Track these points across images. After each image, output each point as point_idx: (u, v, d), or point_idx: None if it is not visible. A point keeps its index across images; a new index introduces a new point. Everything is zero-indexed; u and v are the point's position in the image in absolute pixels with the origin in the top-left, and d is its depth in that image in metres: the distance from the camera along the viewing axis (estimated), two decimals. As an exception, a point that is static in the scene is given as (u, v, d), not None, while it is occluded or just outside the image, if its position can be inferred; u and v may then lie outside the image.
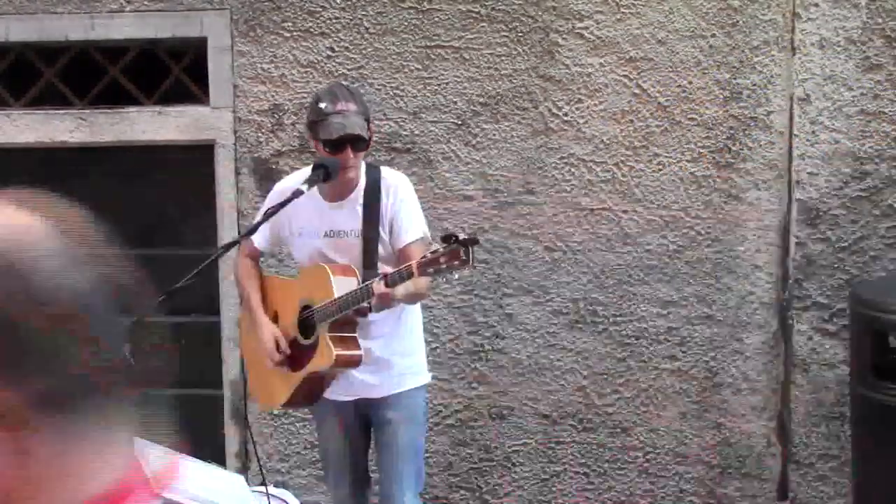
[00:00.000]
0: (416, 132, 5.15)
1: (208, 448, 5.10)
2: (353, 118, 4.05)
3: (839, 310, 5.08)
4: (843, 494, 5.18)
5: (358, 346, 4.13)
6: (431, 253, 3.82)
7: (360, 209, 4.15)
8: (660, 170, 5.14)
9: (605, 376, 5.25)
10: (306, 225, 4.22)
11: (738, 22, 5.04)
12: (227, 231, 5.23)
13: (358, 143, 4.08)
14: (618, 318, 5.21)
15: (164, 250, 5.32)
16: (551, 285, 5.20)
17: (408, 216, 4.18)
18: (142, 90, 5.38)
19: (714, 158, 5.11)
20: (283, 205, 4.07)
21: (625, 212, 5.16)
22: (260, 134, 5.23)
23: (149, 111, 5.31)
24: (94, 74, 5.39)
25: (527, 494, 5.33)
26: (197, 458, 3.93)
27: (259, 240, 4.32)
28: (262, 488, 4.11)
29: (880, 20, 5.00)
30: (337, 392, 4.26)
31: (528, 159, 5.14)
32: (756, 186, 5.11)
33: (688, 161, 5.12)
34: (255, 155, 5.24)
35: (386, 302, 3.96)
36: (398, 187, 4.20)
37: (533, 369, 5.25)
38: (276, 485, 4.28)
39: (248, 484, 3.85)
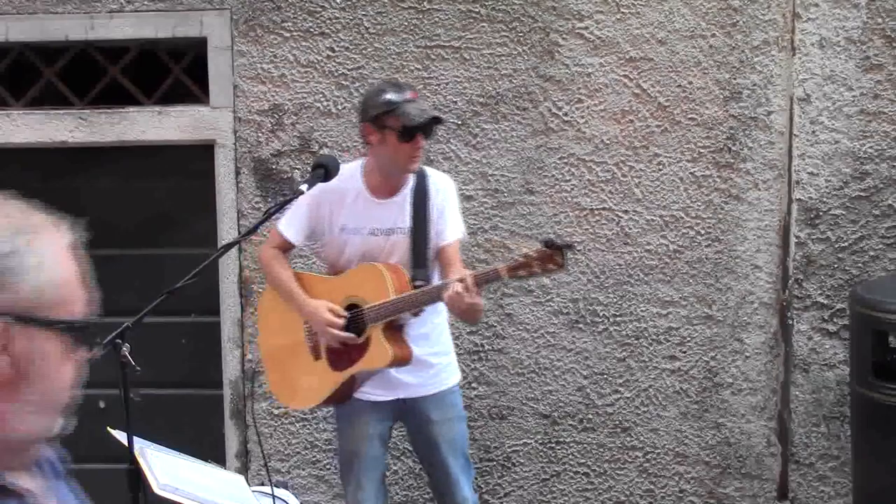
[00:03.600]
0: (416, 132, 5.15)
1: (208, 448, 5.10)
2: (423, 104, 4.15)
3: (839, 310, 5.08)
4: (843, 494, 5.18)
5: (408, 345, 4.16)
6: (523, 256, 3.84)
7: (409, 207, 4.16)
8: (660, 170, 5.14)
9: (605, 376, 5.25)
10: (350, 221, 4.18)
11: (738, 22, 5.04)
12: (227, 231, 5.23)
13: (433, 127, 4.15)
14: (618, 318, 5.21)
15: (164, 250, 5.32)
16: (551, 285, 5.20)
17: (452, 215, 4.23)
18: (142, 90, 5.38)
19: (714, 158, 5.11)
20: (282, 205, 4.07)
21: (625, 212, 5.16)
22: (260, 134, 5.23)
23: (149, 111, 5.31)
24: (94, 74, 5.39)
25: (527, 494, 5.33)
26: (197, 458, 3.94)
27: (293, 233, 4.26)
28: (263, 488, 4.10)
29: (880, 20, 5.00)
30: (374, 392, 4.24)
31: (528, 159, 5.14)
32: (756, 186, 5.11)
33: (688, 161, 5.12)
34: (255, 155, 5.24)
35: (459, 304, 3.91)
36: (444, 186, 4.25)
37: (533, 369, 5.25)
38: (277, 485, 4.28)
39: (248, 484, 3.85)
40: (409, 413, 4.30)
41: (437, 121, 4.14)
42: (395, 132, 4.05)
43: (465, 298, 3.84)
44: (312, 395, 4.30)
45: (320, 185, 4.10)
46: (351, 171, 4.19)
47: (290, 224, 4.26)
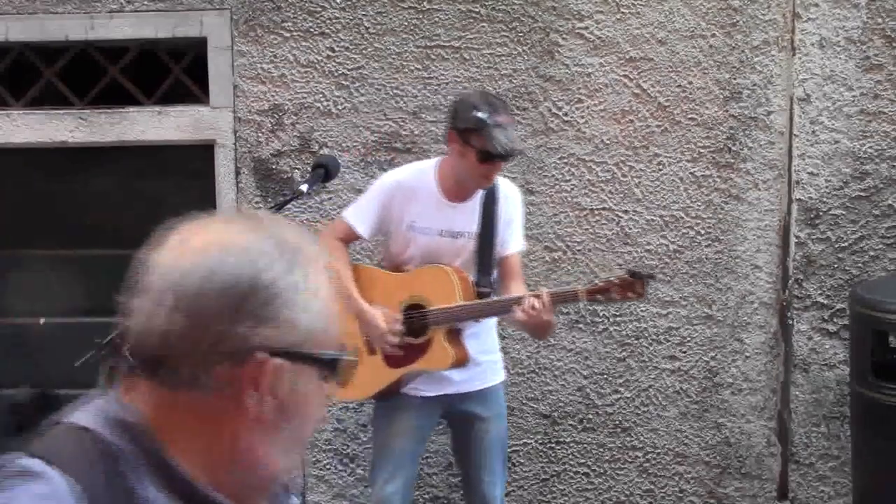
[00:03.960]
0: (416, 132, 5.15)
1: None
2: (511, 132, 4.09)
3: (839, 310, 5.08)
4: (843, 494, 5.18)
5: (465, 348, 4.20)
6: (604, 280, 3.87)
7: (478, 213, 4.18)
8: (660, 170, 5.14)
9: (605, 376, 5.25)
10: (420, 219, 4.19)
11: (738, 22, 5.04)
12: (227, 231, 5.22)
13: (515, 156, 4.16)
14: (618, 318, 5.21)
15: (164, 250, 5.31)
16: (551, 285, 5.20)
17: (517, 226, 4.28)
18: (142, 90, 5.38)
19: (714, 158, 5.11)
20: (283, 205, 4.07)
21: (625, 212, 5.16)
22: (260, 134, 5.23)
23: (149, 111, 5.31)
24: (94, 74, 5.39)
25: (527, 494, 5.33)
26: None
27: (363, 226, 4.22)
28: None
29: (880, 20, 5.00)
30: (421, 388, 4.25)
31: (528, 159, 5.14)
32: (756, 186, 5.11)
33: (688, 161, 5.12)
34: (255, 155, 5.24)
35: (532, 321, 3.93)
36: (513, 197, 4.29)
37: (533, 369, 5.25)
38: (276, 485, 4.27)
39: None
40: (454, 409, 4.33)
41: (519, 153, 4.17)
42: (476, 151, 4.05)
43: (541, 315, 3.88)
44: (364, 389, 4.31)
45: (394, 180, 4.17)
46: (423, 169, 4.22)
47: (360, 216, 4.23)
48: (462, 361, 4.19)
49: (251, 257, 1.37)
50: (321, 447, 5.31)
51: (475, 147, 4.04)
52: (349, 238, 4.29)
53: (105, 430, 1.37)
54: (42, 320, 5.49)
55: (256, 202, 5.22)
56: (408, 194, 4.19)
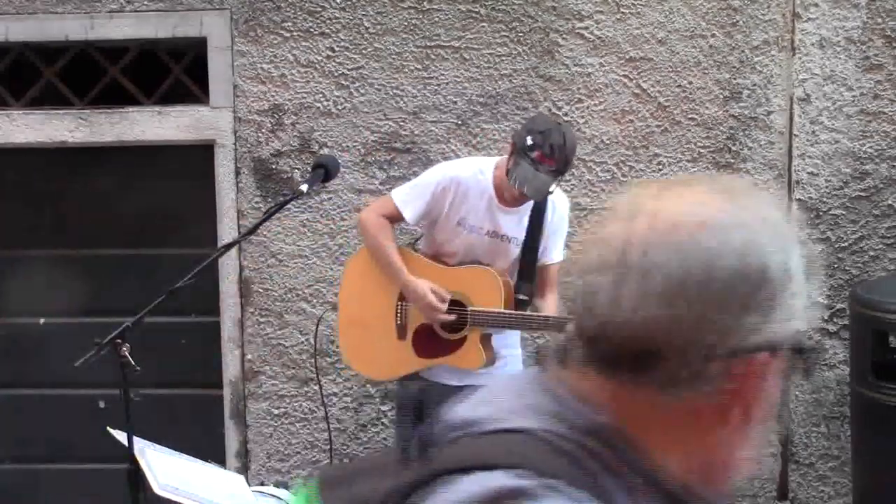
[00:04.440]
0: (416, 132, 5.15)
1: (208, 448, 5.09)
2: (542, 176, 3.97)
3: (839, 310, 5.08)
4: (843, 494, 5.18)
5: (493, 350, 4.25)
6: None
7: (526, 220, 4.19)
8: (660, 170, 5.14)
9: (605, 376, 5.25)
10: (471, 216, 4.19)
11: (738, 22, 5.04)
12: (227, 231, 5.23)
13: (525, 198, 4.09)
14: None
15: (164, 250, 5.32)
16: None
17: (561, 237, 4.28)
18: (142, 90, 5.38)
19: (714, 158, 5.11)
20: (283, 205, 4.08)
21: (625, 212, 5.16)
22: (260, 134, 5.23)
23: (149, 111, 5.31)
24: (94, 74, 5.39)
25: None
26: (197, 458, 3.94)
27: (410, 212, 4.20)
28: (263, 488, 4.10)
29: (880, 20, 5.00)
30: (446, 377, 4.26)
31: (528, 159, 5.14)
32: (756, 186, 5.10)
33: (688, 161, 5.12)
34: (255, 155, 5.24)
35: None
36: (562, 208, 4.28)
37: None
38: (277, 485, 4.28)
39: (249, 484, 3.85)
40: None
41: (533, 198, 4.07)
42: (507, 168, 4.07)
43: None
44: (387, 371, 4.39)
45: (455, 174, 4.16)
46: (483, 168, 4.21)
47: (409, 202, 4.22)
48: (491, 363, 4.24)
49: (752, 238, 1.19)
50: (321, 447, 5.31)
51: (508, 164, 4.06)
52: (394, 218, 4.28)
53: (563, 431, 1.18)
54: (42, 320, 5.49)
55: (256, 202, 5.23)
56: (463, 191, 4.17)
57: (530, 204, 4.19)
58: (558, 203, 4.27)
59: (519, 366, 4.44)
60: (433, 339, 4.23)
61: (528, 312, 4.17)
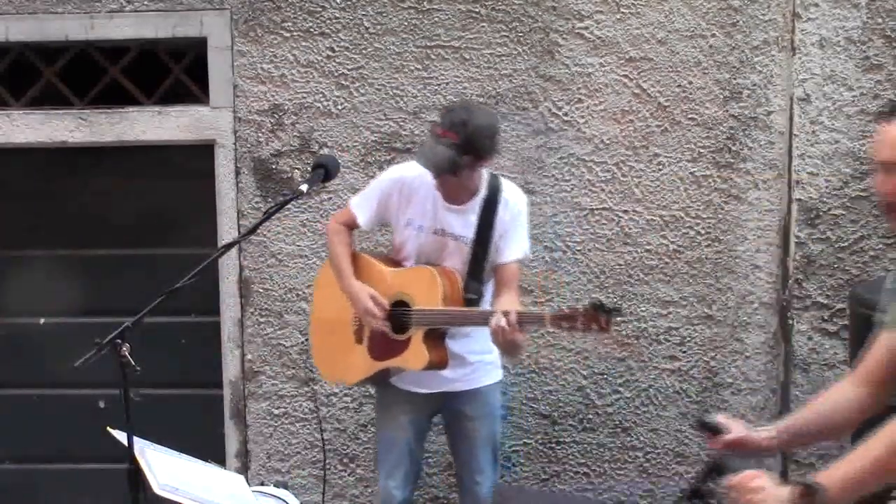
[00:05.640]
0: (416, 132, 5.15)
1: (208, 448, 5.09)
2: (441, 149, 3.99)
3: (839, 310, 5.08)
4: (843, 494, 5.17)
5: (446, 351, 4.19)
6: (570, 308, 3.85)
7: (475, 218, 4.17)
8: (660, 170, 5.14)
9: (605, 376, 5.25)
10: (417, 217, 4.20)
11: (738, 22, 5.04)
12: (227, 231, 5.23)
13: (445, 171, 4.04)
14: (618, 318, 5.20)
15: (164, 250, 5.32)
16: (551, 285, 5.20)
17: (516, 234, 4.21)
18: (142, 90, 5.38)
19: (714, 158, 5.11)
20: (282, 205, 4.07)
21: (625, 212, 5.16)
22: (260, 134, 5.23)
23: (149, 111, 5.31)
24: (94, 74, 5.39)
25: (527, 494, 5.34)
26: (197, 458, 3.93)
27: (362, 216, 4.27)
28: (263, 488, 4.10)
29: (880, 20, 5.00)
30: (412, 383, 4.28)
31: (528, 159, 5.14)
32: (756, 186, 5.11)
33: (688, 161, 5.12)
34: (255, 155, 5.24)
35: (499, 337, 3.88)
36: (516, 203, 4.23)
37: (533, 369, 5.25)
38: (277, 485, 4.27)
39: (249, 484, 3.85)
40: (446, 406, 4.37)
41: (433, 167, 4.06)
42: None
43: (508, 334, 3.84)
44: (349, 375, 4.39)
45: (399, 175, 4.19)
46: (415, 166, 4.20)
47: (362, 207, 4.28)
48: (439, 364, 4.16)
49: None
50: (321, 447, 5.32)
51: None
52: (351, 225, 4.34)
53: None
54: (42, 320, 5.49)
55: (256, 202, 5.23)
56: (409, 191, 4.20)
57: (479, 202, 4.17)
58: (511, 200, 4.22)
59: (495, 373, 4.39)
60: (385, 342, 4.21)
61: (456, 308, 4.10)
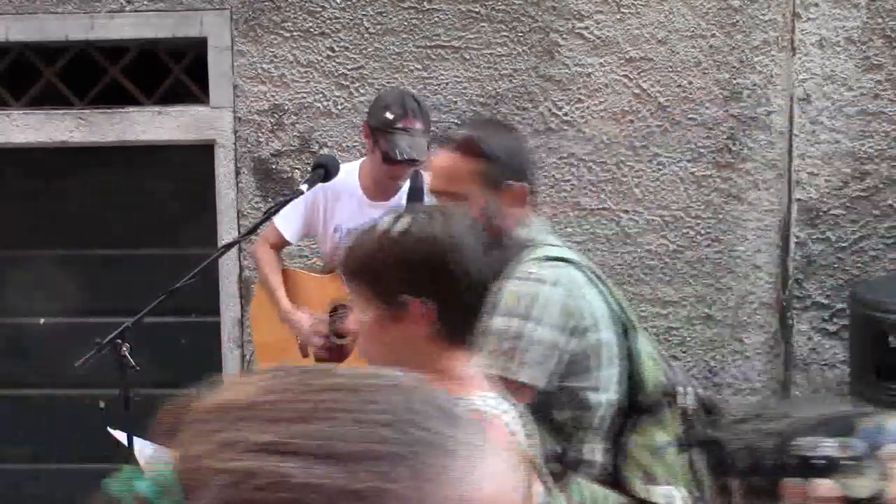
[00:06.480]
0: (416, 132, 5.15)
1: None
2: (418, 139, 4.00)
3: (839, 310, 5.08)
4: (843, 494, 5.17)
5: None
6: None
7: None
8: (660, 170, 5.14)
9: (605, 376, 5.25)
10: (344, 221, 4.18)
11: (738, 22, 5.04)
12: (227, 231, 5.23)
13: (416, 164, 4.05)
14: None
15: (164, 250, 5.32)
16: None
17: None
18: (142, 90, 5.38)
19: (714, 158, 5.11)
20: (282, 205, 4.07)
21: (625, 212, 5.16)
22: (260, 134, 5.23)
23: (149, 111, 5.31)
24: (94, 74, 5.39)
25: (527, 494, 5.33)
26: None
27: (289, 231, 4.27)
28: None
29: (880, 20, 5.00)
30: None
31: (528, 159, 5.14)
32: (756, 186, 5.11)
33: (688, 161, 5.12)
34: (255, 155, 5.24)
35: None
36: None
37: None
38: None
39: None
40: None
41: (413, 162, 4.04)
42: (381, 151, 4.05)
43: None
44: None
45: (319, 184, 4.11)
46: (349, 170, 4.19)
47: (287, 221, 4.27)
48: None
49: None
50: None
51: (380, 147, 4.04)
52: (279, 243, 4.34)
53: None
54: (42, 320, 5.49)
55: (256, 202, 5.23)
56: (333, 196, 4.18)
57: (403, 195, 4.15)
58: None
59: None
60: (333, 350, 4.24)
61: None
